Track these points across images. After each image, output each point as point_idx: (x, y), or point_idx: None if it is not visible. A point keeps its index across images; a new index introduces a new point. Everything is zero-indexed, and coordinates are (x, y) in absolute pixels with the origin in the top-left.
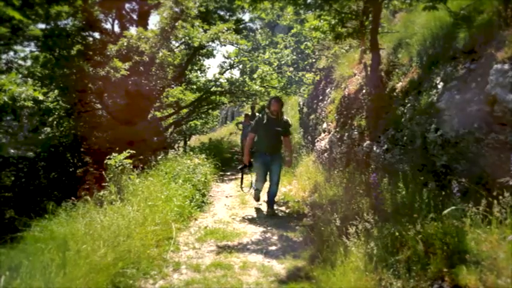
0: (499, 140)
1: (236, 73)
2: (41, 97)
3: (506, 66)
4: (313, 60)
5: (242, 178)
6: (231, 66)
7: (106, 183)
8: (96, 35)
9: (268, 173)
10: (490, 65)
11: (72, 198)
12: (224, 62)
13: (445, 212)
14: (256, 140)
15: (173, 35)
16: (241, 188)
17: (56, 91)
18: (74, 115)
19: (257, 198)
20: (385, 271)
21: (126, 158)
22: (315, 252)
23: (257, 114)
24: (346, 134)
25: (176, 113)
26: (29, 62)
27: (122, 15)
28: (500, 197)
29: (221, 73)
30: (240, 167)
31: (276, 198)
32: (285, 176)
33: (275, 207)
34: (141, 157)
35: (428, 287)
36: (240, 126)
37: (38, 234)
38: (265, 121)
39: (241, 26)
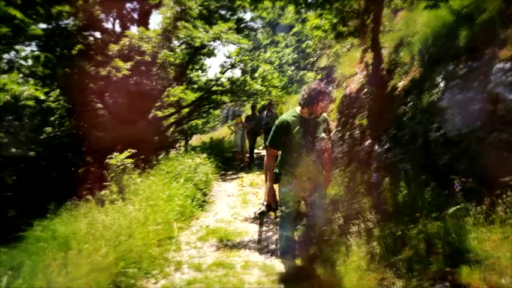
0: (502, 139)
1: (237, 72)
2: (42, 97)
3: (508, 65)
4: (314, 59)
5: (261, 230)
6: (232, 66)
7: (107, 183)
8: (97, 34)
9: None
10: (492, 63)
11: (74, 197)
12: (225, 62)
13: (448, 211)
14: (283, 159)
15: (175, 35)
16: (259, 245)
17: (57, 90)
18: (75, 115)
19: (290, 255)
20: (387, 270)
21: (128, 157)
22: (317, 251)
23: (258, 114)
24: (348, 133)
25: (177, 112)
26: (30, 62)
27: (122, 14)
28: (503, 196)
29: (222, 72)
30: (258, 211)
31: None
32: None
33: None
34: (143, 156)
35: (430, 286)
36: (233, 128)
37: (40, 233)
38: (297, 126)
39: (242, 25)
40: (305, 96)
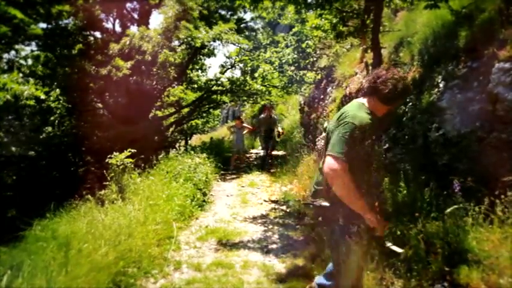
0: (501, 139)
1: (237, 72)
2: (42, 96)
3: (508, 65)
4: (314, 59)
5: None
6: (232, 66)
7: (107, 183)
8: (97, 34)
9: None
10: (492, 63)
11: (74, 197)
12: (225, 62)
13: (447, 211)
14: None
15: (175, 35)
16: None
17: (58, 90)
18: (75, 114)
19: None
20: (386, 270)
21: (127, 157)
22: (316, 251)
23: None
24: None
25: (177, 112)
26: (30, 61)
27: (123, 14)
28: (503, 196)
29: (222, 72)
30: (399, 250)
31: (276, 198)
32: (286, 176)
33: None
34: (142, 156)
35: (430, 286)
36: (232, 129)
37: (40, 233)
38: (371, 129)
39: (242, 26)
40: (391, 87)
